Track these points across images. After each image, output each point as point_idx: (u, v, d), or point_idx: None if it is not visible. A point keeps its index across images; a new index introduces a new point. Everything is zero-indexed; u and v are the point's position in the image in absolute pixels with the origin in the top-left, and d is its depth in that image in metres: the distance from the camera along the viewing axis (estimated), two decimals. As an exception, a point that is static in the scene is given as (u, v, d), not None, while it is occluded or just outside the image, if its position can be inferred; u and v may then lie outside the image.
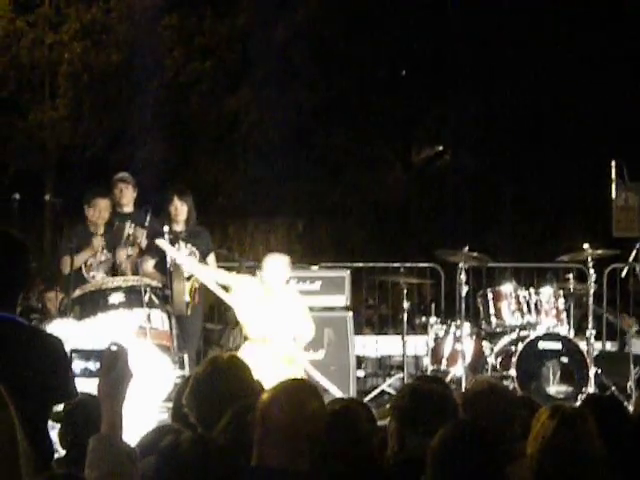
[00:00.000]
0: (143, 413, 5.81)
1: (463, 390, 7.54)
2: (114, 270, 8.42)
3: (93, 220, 8.41)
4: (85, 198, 8.48)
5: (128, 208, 8.70)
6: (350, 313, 9.31)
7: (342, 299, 9.34)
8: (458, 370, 9.09)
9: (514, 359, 8.93)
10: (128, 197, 8.66)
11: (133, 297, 7.93)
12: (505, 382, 8.60)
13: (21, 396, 3.27)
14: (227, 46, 16.64)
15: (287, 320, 7.70)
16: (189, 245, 8.56)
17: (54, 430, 4.14)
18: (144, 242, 8.43)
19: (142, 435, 4.08)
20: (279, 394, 3.21)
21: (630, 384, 9.11)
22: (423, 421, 3.78)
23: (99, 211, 8.38)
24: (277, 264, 7.81)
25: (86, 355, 2.78)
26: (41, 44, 16.53)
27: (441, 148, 18.49)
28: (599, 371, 8.95)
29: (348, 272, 9.54)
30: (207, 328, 10.83)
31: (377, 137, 17.08)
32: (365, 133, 16.91)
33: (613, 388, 8.98)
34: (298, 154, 16.81)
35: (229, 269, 10.71)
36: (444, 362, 9.37)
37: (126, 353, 2.76)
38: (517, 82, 16.30)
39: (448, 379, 8.91)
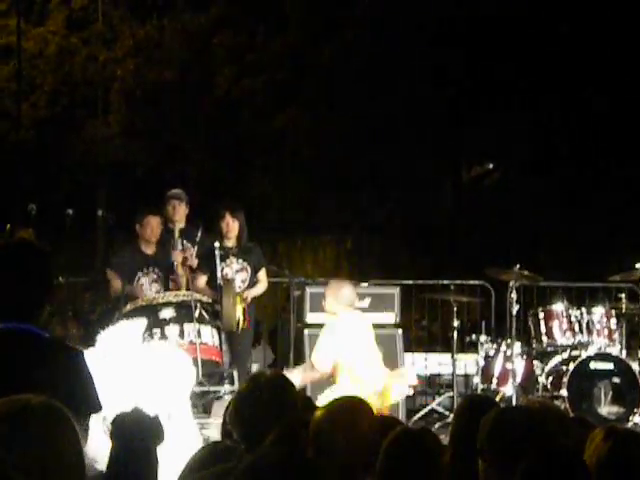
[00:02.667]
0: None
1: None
2: (166, 287, 8.48)
3: (145, 238, 8.47)
4: (137, 217, 8.54)
5: (180, 224, 8.76)
6: (400, 330, 9.29)
7: (391, 316, 9.32)
8: (508, 389, 9.04)
9: (565, 379, 8.87)
10: (181, 214, 8.73)
11: (183, 312, 7.99)
12: (556, 402, 8.54)
13: None
14: (278, 63, 16.73)
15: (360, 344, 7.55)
16: (240, 260, 8.59)
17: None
18: (194, 259, 8.49)
19: (194, 452, 4.09)
20: (332, 412, 3.21)
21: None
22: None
23: (151, 229, 8.44)
24: (344, 289, 7.66)
25: None
26: (94, 61, 16.73)
27: (491, 166, 18.43)
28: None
29: (398, 289, 9.52)
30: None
31: (426, 154, 17.05)
32: (414, 150, 16.89)
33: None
34: (347, 171, 16.82)
35: (279, 285, 10.78)
36: (494, 381, 9.32)
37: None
38: (569, 98, 16.19)
39: (498, 398, 8.86)
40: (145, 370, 6.40)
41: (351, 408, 3.29)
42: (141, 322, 7.30)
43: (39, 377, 3.33)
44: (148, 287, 8.39)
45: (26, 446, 2.12)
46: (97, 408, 3.51)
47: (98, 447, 4.80)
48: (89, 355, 6.19)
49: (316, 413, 3.31)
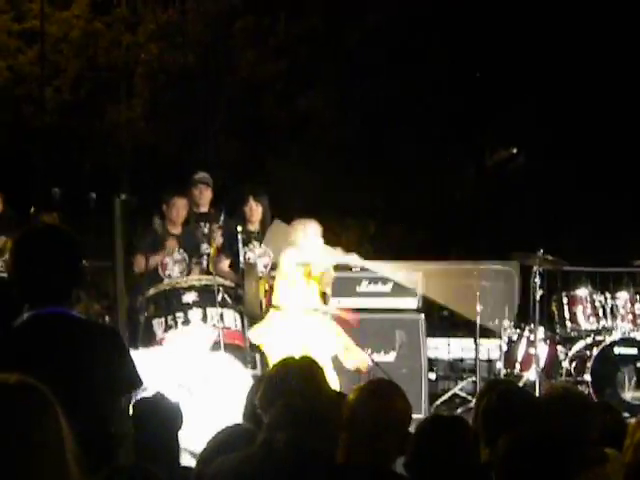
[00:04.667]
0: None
1: (538, 395, 7.46)
2: (189, 269, 8.49)
3: (171, 219, 8.50)
4: (163, 197, 8.57)
5: (204, 208, 8.78)
6: (422, 315, 9.26)
7: (414, 301, 9.29)
8: (532, 374, 9.01)
9: (589, 364, 8.84)
10: (207, 198, 8.76)
11: (206, 296, 8.00)
12: (580, 387, 8.51)
13: (76, 390, 3.32)
14: (300, 47, 16.69)
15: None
16: (263, 245, 8.59)
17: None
18: (219, 241, 8.49)
19: (212, 435, 4.08)
20: (365, 394, 3.26)
21: None
22: (504, 424, 3.73)
23: (177, 210, 8.47)
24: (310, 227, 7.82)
25: None
26: (118, 45, 16.74)
27: (515, 150, 18.34)
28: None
29: (420, 274, 9.49)
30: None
31: (450, 138, 16.99)
32: (438, 134, 16.83)
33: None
34: (370, 155, 16.78)
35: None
36: (517, 366, 9.29)
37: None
38: (593, 81, 16.09)
39: (521, 383, 8.84)
40: (207, 382, 6.52)
41: (384, 391, 3.33)
42: (210, 332, 7.42)
43: (80, 359, 3.37)
44: (172, 267, 8.41)
45: (1, 429, 2.04)
46: (138, 385, 3.55)
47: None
48: (156, 352, 6.43)
49: (349, 396, 3.37)
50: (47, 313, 3.43)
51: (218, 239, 8.48)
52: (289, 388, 3.81)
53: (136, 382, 3.55)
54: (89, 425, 3.28)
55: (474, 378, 9.56)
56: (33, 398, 2.12)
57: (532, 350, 9.11)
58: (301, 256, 7.68)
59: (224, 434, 4.03)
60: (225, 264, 8.45)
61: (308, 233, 7.74)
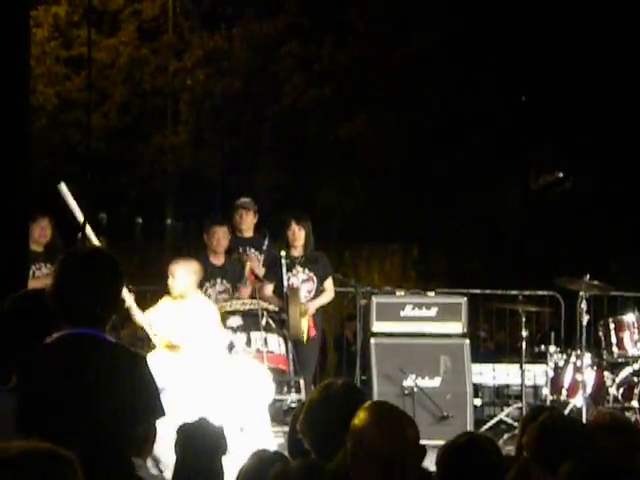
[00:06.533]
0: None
1: (585, 422, 7.38)
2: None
3: (212, 248, 8.52)
4: (204, 227, 8.61)
5: (248, 233, 8.80)
6: (467, 340, 9.19)
7: (459, 326, 9.22)
8: (578, 401, 8.91)
9: (636, 390, 8.73)
10: (248, 223, 8.77)
11: (250, 321, 8.03)
12: (627, 414, 8.41)
13: (99, 412, 3.34)
14: (345, 73, 16.75)
15: (198, 326, 7.49)
16: (307, 270, 8.60)
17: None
18: (261, 271, 8.53)
19: (244, 463, 4.03)
20: (378, 418, 3.17)
21: None
22: (552, 454, 3.69)
23: (217, 239, 8.48)
24: (185, 270, 7.60)
25: None
26: (164, 71, 16.91)
27: (561, 175, 18.23)
28: None
29: (465, 299, 9.43)
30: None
31: (495, 163, 16.94)
32: (483, 158, 16.79)
33: None
34: (414, 179, 16.77)
35: (345, 294, 10.76)
36: (564, 392, 9.19)
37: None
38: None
39: (568, 410, 8.74)
40: (226, 381, 6.54)
41: (396, 416, 3.25)
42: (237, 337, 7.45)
43: (104, 381, 3.38)
44: (214, 298, 8.42)
45: None
46: (159, 414, 3.53)
47: (166, 454, 4.83)
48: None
49: (359, 417, 3.25)
50: (78, 333, 3.46)
51: (259, 269, 8.52)
52: (328, 414, 3.77)
53: (157, 411, 3.52)
54: (102, 445, 3.30)
55: (520, 404, 9.47)
56: (36, 467, 2.05)
57: (579, 376, 9.01)
58: None
59: (251, 461, 3.97)
60: (269, 289, 8.47)
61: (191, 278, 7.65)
